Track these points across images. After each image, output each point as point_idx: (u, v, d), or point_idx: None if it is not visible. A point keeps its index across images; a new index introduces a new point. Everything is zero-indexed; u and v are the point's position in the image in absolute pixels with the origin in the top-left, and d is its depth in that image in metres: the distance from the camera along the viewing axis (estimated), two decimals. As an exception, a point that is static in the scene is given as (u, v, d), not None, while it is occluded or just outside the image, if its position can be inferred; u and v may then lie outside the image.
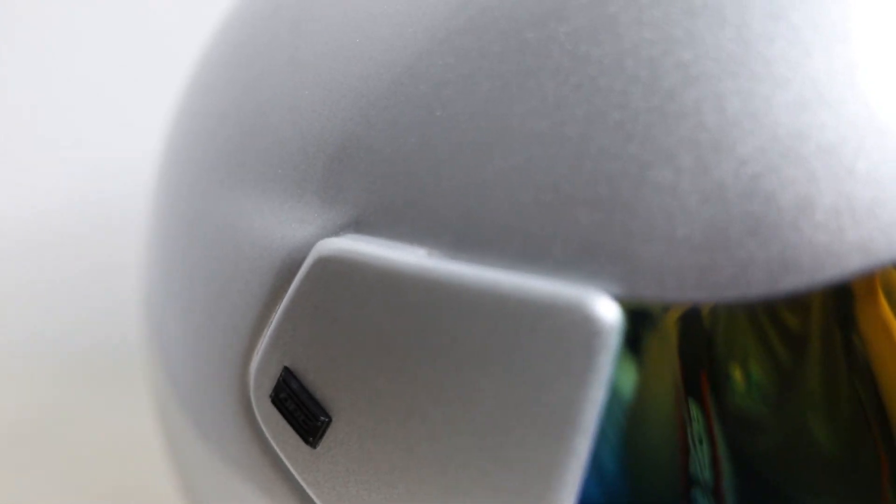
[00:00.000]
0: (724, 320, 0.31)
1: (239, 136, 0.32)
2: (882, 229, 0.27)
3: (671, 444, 0.31)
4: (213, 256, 0.32)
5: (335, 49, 0.31)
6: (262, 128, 0.31)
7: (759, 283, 0.26)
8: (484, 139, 0.28)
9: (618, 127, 0.27)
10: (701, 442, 0.31)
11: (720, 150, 0.27)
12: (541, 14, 0.28)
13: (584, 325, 0.26)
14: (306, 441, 0.29)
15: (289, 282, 0.30)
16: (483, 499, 0.28)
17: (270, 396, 0.30)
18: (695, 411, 0.31)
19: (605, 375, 0.26)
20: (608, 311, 0.26)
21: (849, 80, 0.27)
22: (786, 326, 0.31)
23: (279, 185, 0.30)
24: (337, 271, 0.28)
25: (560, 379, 0.27)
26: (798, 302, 0.31)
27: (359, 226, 0.29)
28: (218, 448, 0.33)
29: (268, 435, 0.31)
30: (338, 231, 0.29)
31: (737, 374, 0.31)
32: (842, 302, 0.31)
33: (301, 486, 0.31)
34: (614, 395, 0.31)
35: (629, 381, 0.31)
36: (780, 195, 0.27)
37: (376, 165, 0.29)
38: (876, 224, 0.27)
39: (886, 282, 0.32)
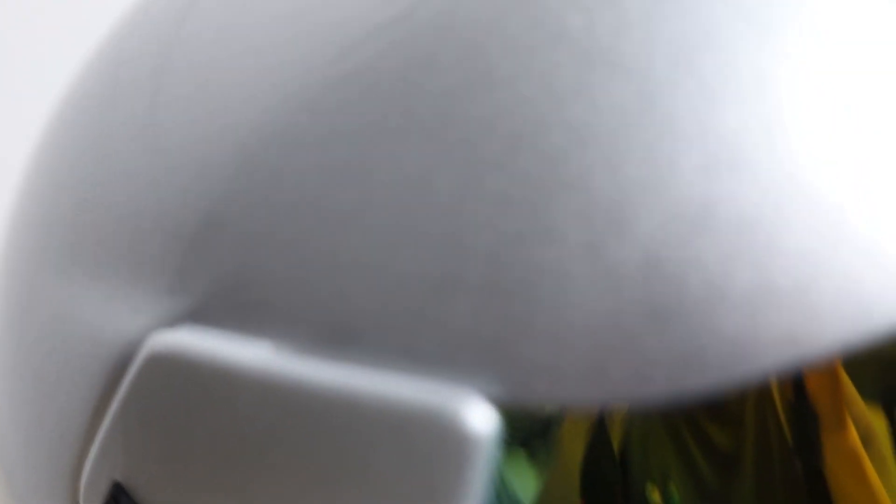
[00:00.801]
0: (636, 431, 0.28)
1: (73, 211, 0.28)
2: (806, 318, 0.23)
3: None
4: (42, 352, 0.28)
5: (182, 110, 0.27)
6: (98, 202, 0.28)
7: (660, 383, 0.23)
8: (339, 213, 0.24)
9: (495, 198, 0.23)
10: None
11: (614, 225, 0.23)
12: (408, 67, 0.25)
13: (451, 435, 0.23)
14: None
15: (120, 382, 0.26)
16: None
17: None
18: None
19: (477, 490, 0.23)
20: (481, 418, 0.23)
21: (766, 139, 0.23)
22: (711, 441, 0.27)
23: (113, 270, 0.27)
24: (170, 371, 0.25)
25: (426, 494, 0.23)
26: (727, 414, 0.28)
27: (199, 316, 0.25)
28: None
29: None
30: (176, 322, 0.26)
31: (655, 497, 0.28)
32: (805, 425, 0.28)
33: None
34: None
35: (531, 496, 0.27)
36: (686, 279, 0.23)
37: (219, 245, 0.25)
38: (799, 312, 0.23)
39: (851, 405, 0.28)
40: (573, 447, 0.28)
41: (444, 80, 0.25)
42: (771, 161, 0.23)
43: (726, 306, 0.23)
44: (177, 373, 0.25)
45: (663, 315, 0.23)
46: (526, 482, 0.28)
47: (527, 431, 0.27)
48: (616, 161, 0.23)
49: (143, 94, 0.28)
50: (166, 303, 0.26)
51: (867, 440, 0.29)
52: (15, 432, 0.30)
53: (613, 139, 0.24)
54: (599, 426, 0.28)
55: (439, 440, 0.23)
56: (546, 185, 0.23)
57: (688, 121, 0.24)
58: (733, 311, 0.23)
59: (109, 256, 0.27)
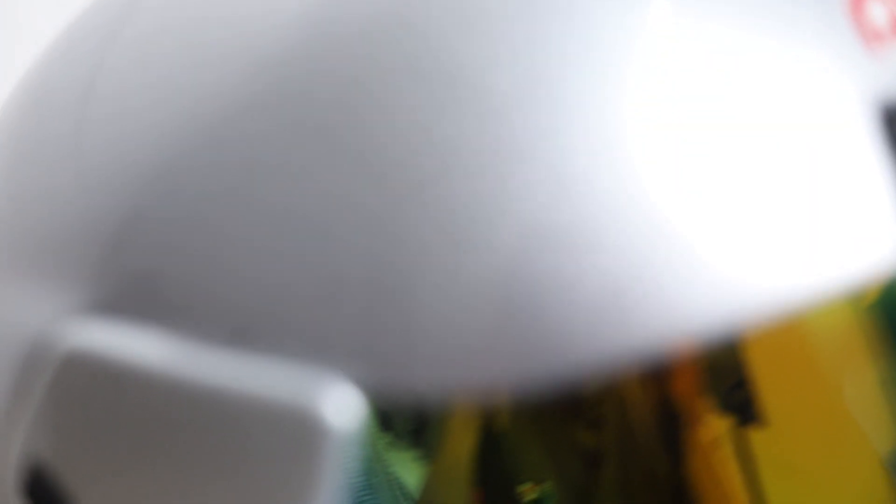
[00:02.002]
0: (509, 427, 0.30)
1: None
2: (624, 321, 0.26)
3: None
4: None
5: (102, 123, 0.30)
6: (20, 207, 0.30)
7: (500, 372, 0.26)
8: (227, 218, 0.27)
9: (365, 213, 0.26)
10: None
11: (466, 240, 0.26)
12: (291, 102, 0.27)
13: (311, 423, 0.26)
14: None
15: (38, 372, 0.29)
16: None
17: (22, 495, 0.29)
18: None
19: (336, 476, 0.26)
20: (337, 410, 0.26)
21: (590, 162, 0.26)
22: (576, 437, 0.30)
23: (34, 268, 0.30)
24: (81, 364, 0.28)
25: (290, 480, 0.26)
26: (588, 413, 0.30)
27: (107, 307, 0.28)
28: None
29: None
30: (87, 312, 0.28)
31: (530, 492, 0.30)
32: (667, 425, 0.30)
33: None
34: (401, 492, 0.30)
35: (415, 478, 0.30)
36: (520, 285, 0.26)
37: (124, 244, 0.28)
38: (618, 316, 0.26)
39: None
40: (455, 441, 0.30)
41: (323, 114, 0.27)
42: (595, 180, 0.26)
43: (552, 312, 0.25)
44: (86, 366, 0.28)
45: (501, 318, 0.25)
46: (411, 474, 0.30)
47: (409, 426, 0.30)
48: (476, 185, 0.26)
49: (68, 116, 0.31)
50: (80, 296, 0.28)
51: (719, 442, 0.31)
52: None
53: (474, 167, 0.26)
54: (479, 426, 0.30)
55: (303, 427, 0.25)
56: (414, 205, 0.26)
57: (540, 149, 0.26)
58: (558, 317, 0.25)
59: (31, 256, 0.30)
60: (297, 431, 0.25)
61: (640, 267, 0.26)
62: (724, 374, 0.30)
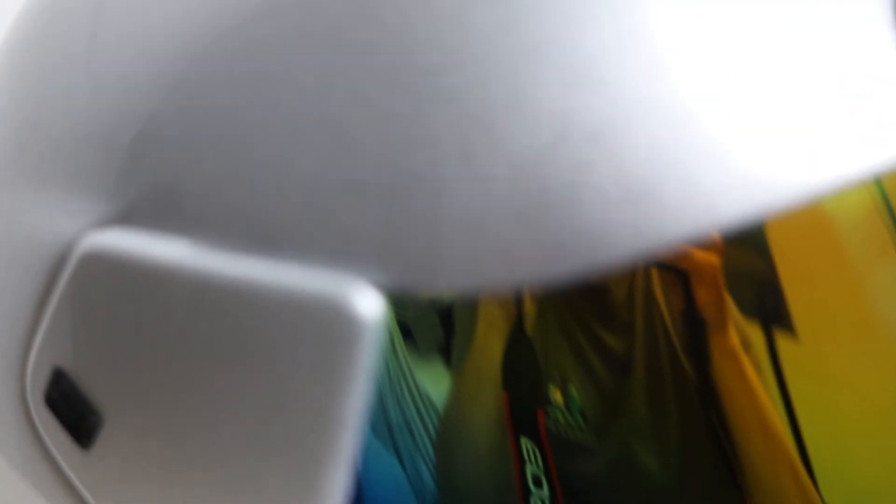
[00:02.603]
0: (537, 329, 0.30)
1: (18, 129, 0.31)
2: (654, 212, 0.26)
3: (493, 456, 0.30)
4: (-8, 256, 0.31)
5: (116, 38, 0.30)
6: (40, 121, 0.30)
7: (528, 270, 0.25)
8: (245, 128, 0.27)
9: (381, 111, 0.26)
10: (530, 462, 0.30)
11: (487, 134, 0.26)
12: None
13: (340, 318, 0.26)
14: (79, 443, 0.29)
15: (58, 279, 0.29)
16: (252, 499, 0.27)
17: (44, 398, 0.29)
18: (518, 427, 0.30)
19: (364, 369, 0.26)
20: (366, 304, 0.26)
21: (618, 60, 0.26)
22: (603, 342, 0.30)
23: (51, 179, 0.30)
24: (101, 268, 0.28)
25: (319, 374, 0.26)
26: (615, 319, 0.30)
27: (128, 218, 0.28)
28: (7, 456, 0.32)
29: (45, 438, 0.30)
30: (107, 224, 0.28)
31: (556, 394, 0.30)
32: (694, 330, 0.30)
33: (79, 494, 0.30)
34: (420, 398, 0.30)
35: (434, 383, 0.30)
36: (548, 180, 0.25)
37: (143, 156, 0.28)
38: (648, 207, 0.25)
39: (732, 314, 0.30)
40: (482, 344, 0.30)
41: (337, 15, 0.27)
42: (623, 79, 0.26)
43: (582, 206, 0.26)
44: (107, 269, 0.28)
45: (528, 214, 0.26)
46: (436, 384, 0.30)
47: (434, 334, 0.30)
48: (486, 78, 0.26)
49: (83, 25, 0.31)
50: (98, 208, 0.29)
51: (747, 346, 0.31)
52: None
53: (484, 59, 0.26)
54: (510, 321, 0.30)
55: (331, 322, 0.25)
56: (425, 100, 0.26)
57: (550, 44, 0.26)
58: (588, 209, 0.26)
59: (49, 169, 0.30)
60: (329, 325, 0.25)
61: (669, 163, 0.26)
62: (751, 274, 0.30)
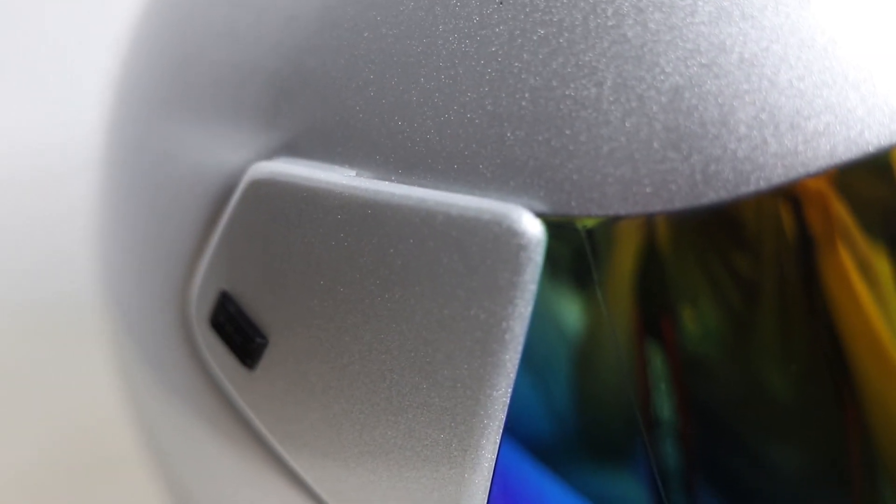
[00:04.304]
0: (672, 252, 0.31)
1: (177, 66, 0.32)
2: (805, 141, 0.27)
3: (625, 379, 0.31)
4: (154, 185, 0.32)
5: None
6: (198, 57, 0.32)
7: (682, 197, 0.27)
8: (409, 60, 0.28)
9: (540, 43, 0.27)
10: (660, 383, 0.31)
11: (641, 63, 0.27)
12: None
13: (507, 240, 0.27)
14: (244, 363, 0.30)
15: (225, 207, 0.30)
16: (415, 416, 0.28)
17: (209, 320, 0.30)
18: (651, 349, 0.31)
19: (530, 289, 0.27)
20: (531, 226, 0.27)
21: None
22: (735, 266, 0.31)
23: (215, 113, 0.31)
24: (269, 194, 0.29)
25: (485, 294, 0.27)
26: (747, 242, 0.31)
27: (291, 149, 0.29)
28: (163, 376, 0.33)
29: (208, 358, 0.31)
30: (271, 155, 0.29)
31: (686, 314, 0.31)
32: (803, 249, 0.31)
33: (241, 412, 0.31)
34: (560, 324, 0.31)
35: (575, 309, 0.31)
36: (702, 108, 0.27)
37: (307, 89, 0.29)
38: (799, 135, 0.27)
39: (843, 229, 0.31)
40: (622, 263, 0.31)
41: None
42: (773, 10, 0.27)
43: (737, 132, 0.27)
44: (274, 195, 0.29)
45: (684, 140, 0.27)
46: (571, 309, 0.31)
47: (572, 261, 0.31)
48: (641, 10, 0.27)
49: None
50: (263, 139, 0.30)
51: (864, 268, 0.32)
52: (127, 260, 0.34)
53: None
54: (647, 247, 0.31)
55: (498, 242, 0.27)
56: (583, 32, 0.27)
57: None
58: (742, 136, 0.27)
59: (213, 102, 0.31)
60: (495, 244, 0.26)
61: (816, 93, 0.27)
62: (878, 198, 0.31)
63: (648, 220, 0.30)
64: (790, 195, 0.31)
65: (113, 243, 0.35)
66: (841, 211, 0.31)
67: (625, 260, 0.31)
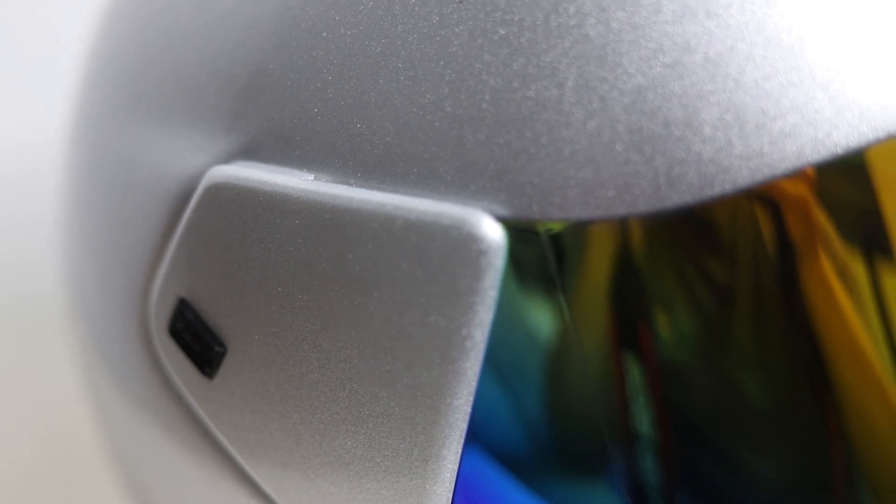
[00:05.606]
0: (644, 258, 0.30)
1: (140, 67, 0.32)
2: (772, 142, 0.26)
3: (598, 389, 0.31)
4: (115, 188, 0.32)
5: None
6: (161, 58, 0.31)
7: (646, 200, 0.26)
8: (368, 61, 0.27)
9: (501, 43, 0.27)
10: (636, 393, 0.31)
11: (603, 63, 0.26)
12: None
13: (467, 245, 0.26)
14: (203, 372, 0.29)
15: (184, 212, 0.29)
16: (375, 425, 0.27)
17: (168, 328, 0.30)
18: (626, 358, 0.31)
19: (491, 295, 0.26)
20: (491, 230, 0.26)
21: None
22: (711, 273, 0.30)
23: (176, 116, 0.30)
24: (226, 198, 0.28)
25: (445, 300, 0.26)
26: (723, 248, 0.30)
27: (250, 153, 0.29)
28: (125, 384, 0.33)
29: (167, 367, 0.30)
30: (230, 159, 0.29)
31: (661, 321, 0.31)
32: (784, 258, 0.30)
33: (201, 421, 0.30)
34: (530, 331, 0.31)
35: (544, 317, 0.31)
36: (666, 109, 0.26)
37: (267, 91, 0.29)
38: (765, 136, 0.26)
39: (823, 235, 0.31)
40: (591, 267, 0.30)
41: None
42: (738, 8, 0.27)
43: (701, 133, 0.26)
44: (233, 199, 0.28)
45: (647, 142, 0.26)
46: (542, 316, 0.31)
47: (540, 266, 0.30)
48: (603, 8, 0.27)
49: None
50: (222, 143, 0.29)
51: (843, 275, 0.31)
52: (90, 265, 0.34)
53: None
54: (620, 251, 0.30)
55: (459, 248, 0.26)
56: (545, 31, 0.27)
57: None
58: (707, 137, 0.26)
59: (173, 106, 0.31)
60: (455, 250, 0.26)
61: (782, 93, 0.26)
62: (852, 201, 0.30)
63: (620, 225, 0.29)
64: (768, 200, 0.30)
65: (78, 248, 0.35)
66: (821, 217, 0.30)
67: (595, 266, 0.30)
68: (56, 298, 0.41)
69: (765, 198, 0.30)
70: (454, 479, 0.27)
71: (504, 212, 0.26)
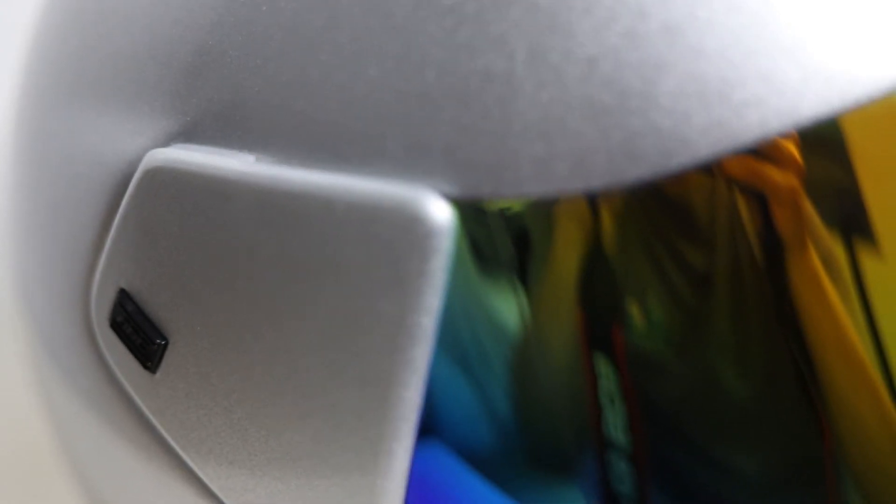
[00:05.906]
0: (615, 243, 0.29)
1: (80, 51, 0.30)
2: (734, 111, 0.24)
3: (565, 377, 0.29)
4: (58, 175, 0.31)
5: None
6: (100, 40, 0.30)
7: (601, 174, 0.25)
8: (310, 35, 0.26)
9: (446, 14, 0.25)
10: (604, 380, 0.29)
11: (555, 32, 0.25)
12: None
13: (412, 226, 0.25)
14: (145, 366, 0.28)
15: (122, 197, 0.28)
16: (323, 419, 0.26)
17: (109, 320, 0.28)
18: (595, 343, 0.29)
19: (439, 278, 0.25)
20: (438, 210, 0.25)
21: None
22: (686, 261, 0.29)
23: (116, 98, 0.29)
24: (164, 183, 0.27)
25: (392, 285, 0.25)
26: (698, 238, 0.29)
27: (190, 135, 0.27)
28: (71, 379, 0.32)
29: (110, 361, 0.29)
30: (170, 141, 0.27)
31: (633, 309, 0.29)
32: (772, 249, 0.29)
33: (146, 416, 0.29)
34: (493, 319, 0.29)
35: (507, 302, 0.29)
36: (621, 79, 0.25)
37: (206, 69, 0.27)
38: (727, 106, 0.25)
39: (811, 225, 0.29)
40: (558, 253, 0.29)
41: None
42: None
43: (658, 104, 0.25)
44: (171, 184, 0.27)
45: (602, 113, 0.25)
46: (508, 303, 0.29)
47: (506, 251, 0.29)
48: None
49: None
50: (161, 125, 0.28)
51: (828, 263, 0.30)
52: (34, 256, 0.33)
53: None
54: (589, 240, 0.29)
55: (404, 230, 0.25)
56: (503, 4, 0.25)
57: None
58: (664, 108, 0.25)
59: (113, 89, 0.29)
60: (399, 233, 0.25)
61: (745, 61, 0.25)
62: (830, 180, 0.29)
63: (586, 205, 0.28)
64: (753, 191, 0.28)
65: (23, 239, 0.34)
66: (808, 206, 0.29)
67: (560, 250, 0.29)
68: (3, 291, 0.39)
69: (746, 188, 0.28)
70: (406, 474, 0.26)
71: (453, 190, 0.25)
